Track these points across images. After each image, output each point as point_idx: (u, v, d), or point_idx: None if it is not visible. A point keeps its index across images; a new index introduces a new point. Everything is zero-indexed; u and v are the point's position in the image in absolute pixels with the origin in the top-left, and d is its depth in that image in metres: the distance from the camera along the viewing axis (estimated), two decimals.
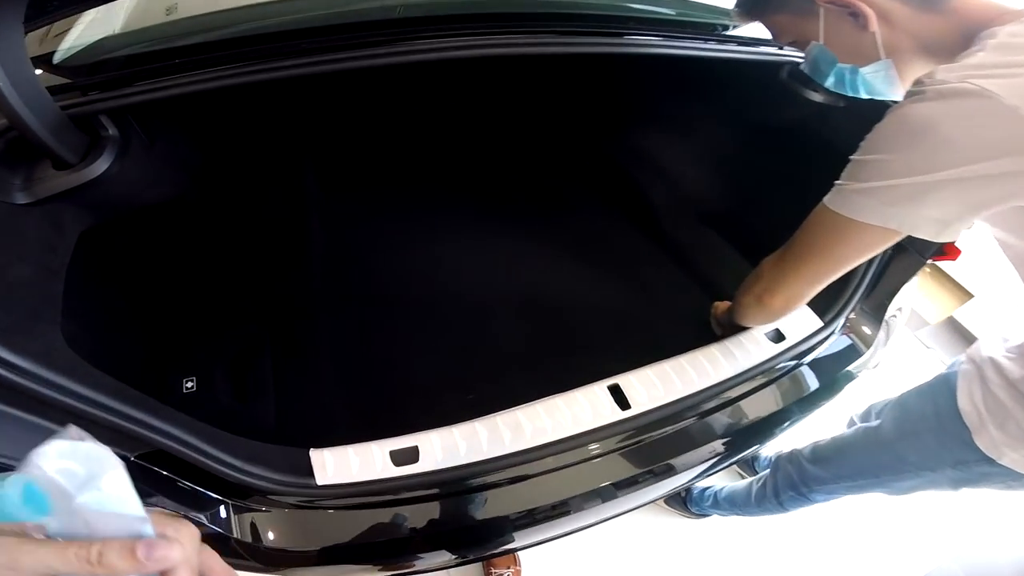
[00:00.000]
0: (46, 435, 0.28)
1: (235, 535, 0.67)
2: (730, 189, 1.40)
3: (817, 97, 1.05)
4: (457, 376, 1.06)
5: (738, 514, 1.46)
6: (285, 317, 1.12)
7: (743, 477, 1.62)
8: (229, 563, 0.69)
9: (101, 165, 0.69)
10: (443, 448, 0.71)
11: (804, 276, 0.75)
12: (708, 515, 1.56)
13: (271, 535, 0.68)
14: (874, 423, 1.07)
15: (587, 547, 1.48)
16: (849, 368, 1.05)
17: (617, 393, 0.79)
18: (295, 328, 1.11)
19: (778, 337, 0.96)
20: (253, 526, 0.67)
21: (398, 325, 1.15)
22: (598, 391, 0.78)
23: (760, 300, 0.82)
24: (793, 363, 0.99)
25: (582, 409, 0.76)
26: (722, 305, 1.07)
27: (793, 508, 1.27)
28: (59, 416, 0.54)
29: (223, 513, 0.67)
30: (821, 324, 0.99)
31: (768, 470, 1.33)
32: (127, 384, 0.83)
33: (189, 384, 0.96)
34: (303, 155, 1.41)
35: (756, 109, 1.24)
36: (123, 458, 0.59)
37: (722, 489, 1.47)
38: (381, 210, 1.45)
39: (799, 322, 0.97)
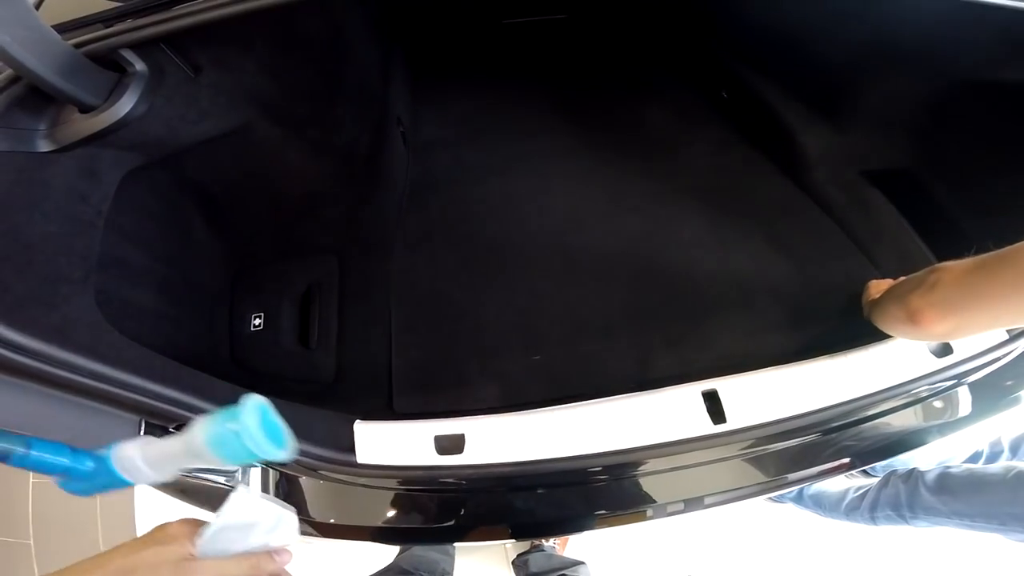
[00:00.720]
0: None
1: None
2: (916, 148, 1.05)
3: None
4: (528, 334, 0.94)
5: (819, 514, 1.35)
6: (358, 253, 1.05)
7: (849, 476, 1.45)
8: None
9: (125, 105, 0.61)
10: (492, 441, 0.61)
11: (996, 311, 0.55)
12: (783, 503, 1.44)
13: (306, 506, 0.64)
14: None
15: None
16: (1019, 393, 0.82)
17: (713, 401, 0.64)
18: (367, 266, 1.04)
19: (944, 350, 0.73)
20: (289, 494, 0.64)
21: (474, 270, 1.03)
22: (689, 396, 0.63)
23: (917, 317, 0.60)
24: (952, 382, 0.78)
25: (663, 415, 0.62)
26: (879, 285, 0.84)
27: (884, 525, 1.15)
28: (75, 394, 0.50)
29: (262, 481, 0.64)
30: (1007, 337, 0.74)
31: (874, 482, 1.17)
32: (191, 325, 0.83)
33: (257, 321, 0.93)
34: (388, 74, 1.25)
35: (978, 59, 0.88)
36: (161, 428, 0.58)
37: (810, 485, 1.33)
38: (472, 137, 1.28)
39: None
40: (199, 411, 0.56)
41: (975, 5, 0.72)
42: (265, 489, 0.66)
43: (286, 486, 0.66)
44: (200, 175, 0.88)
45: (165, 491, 0.70)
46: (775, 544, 1.50)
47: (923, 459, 1.31)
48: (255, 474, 0.65)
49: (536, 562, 1.19)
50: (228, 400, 0.59)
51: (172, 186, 0.84)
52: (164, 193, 0.83)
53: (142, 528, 1.59)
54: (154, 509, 1.58)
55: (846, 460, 0.77)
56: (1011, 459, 1.17)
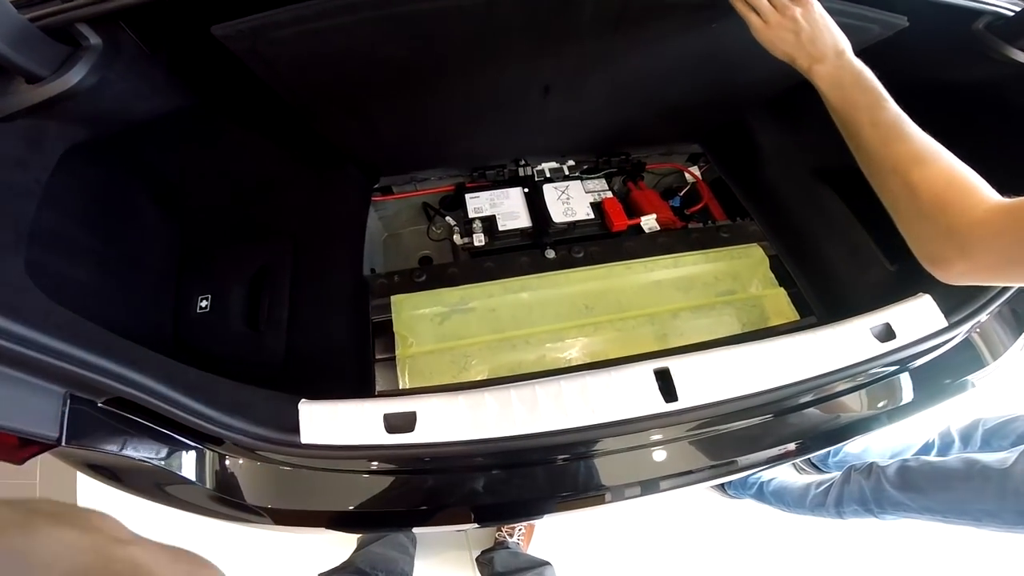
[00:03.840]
0: None
1: (208, 486, 0.61)
2: None
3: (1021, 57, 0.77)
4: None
5: (782, 509, 1.35)
6: (317, 237, 1.03)
7: (800, 471, 1.47)
8: (200, 512, 0.65)
9: (73, 77, 0.59)
10: (444, 418, 0.60)
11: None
12: (743, 499, 1.45)
13: (246, 489, 0.62)
14: (992, 458, 0.89)
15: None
16: (964, 379, 0.85)
17: (664, 379, 0.64)
18: (325, 250, 1.02)
19: (887, 334, 0.75)
20: (228, 478, 0.62)
21: None
22: (641, 374, 0.64)
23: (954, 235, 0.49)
24: (895, 367, 0.80)
25: (616, 392, 0.62)
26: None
27: (852, 519, 1.16)
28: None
29: (197, 461, 0.62)
30: (945, 324, 0.76)
31: (835, 478, 1.19)
32: (133, 305, 0.80)
33: (204, 303, 0.90)
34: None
35: (934, 63, 0.93)
36: (88, 403, 0.56)
37: (771, 481, 1.34)
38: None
39: (916, 316, 0.76)
40: (132, 384, 0.54)
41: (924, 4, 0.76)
42: (200, 472, 0.63)
43: (222, 469, 0.64)
44: (152, 154, 0.87)
45: (94, 475, 0.66)
46: (740, 541, 1.50)
47: (875, 451, 1.34)
48: (189, 456, 0.62)
49: (501, 560, 1.17)
50: (167, 375, 0.58)
51: (121, 164, 0.82)
52: (112, 171, 0.82)
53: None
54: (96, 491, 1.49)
55: (796, 444, 0.78)
56: (964, 449, 1.19)
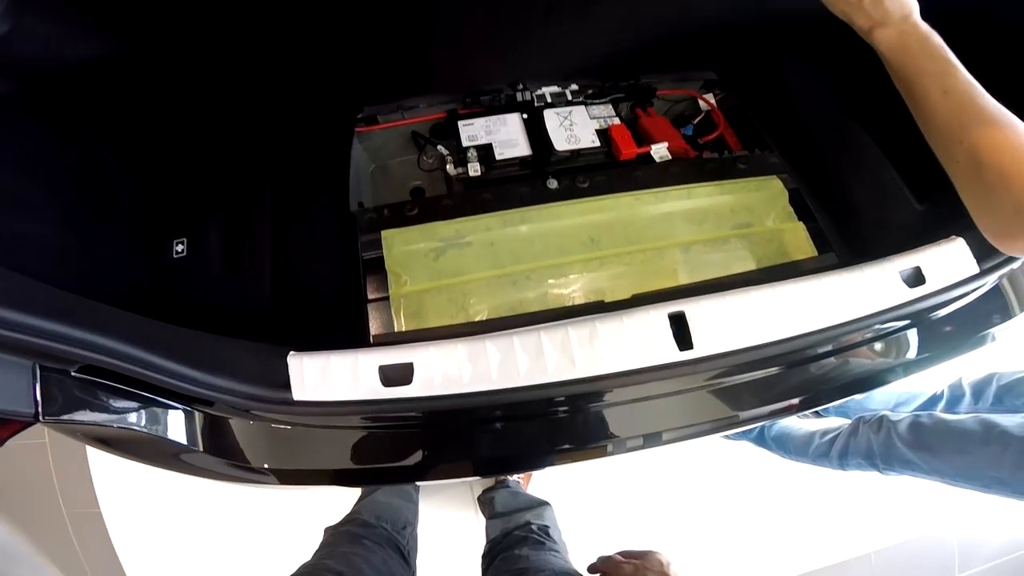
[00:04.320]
0: None
1: (196, 447, 0.57)
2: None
3: None
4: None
5: (782, 456, 1.35)
6: (287, 172, 0.95)
7: (801, 416, 1.47)
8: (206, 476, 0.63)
9: None
10: (443, 369, 0.55)
11: None
12: (740, 441, 1.46)
13: (245, 451, 0.58)
14: (1011, 422, 0.87)
15: None
16: (988, 331, 0.82)
17: (680, 324, 0.59)
18: (297, 185, 0.94)
19: (916, 279, 0.70)
20: (223, 440, 0.58)
21: None
22: (654, 319, 0.58)
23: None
24: (920, 315, 0.76)
25: (627, 340, 0.57)
26: None
27: (854, 471, 1.16)
28: None
29: (188, 425, 0.58)
30: (977, 270, 0.71)
31: (841, 427, 1.18)
32: (105, 259, 0.72)
33: (180, 247, 0.83)
34: None
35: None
36: (61, 373, 0.51)
37: (773, 426, 1.33)
38: None
39: (948, 260, 0.70)
40: (100, 349, 0.48)
41: None
42: (192, 436, 0.59)
43: (214, 431, 0.60)
44: (100, 99, 0.76)
45: (91, 444, 0.63)
46: (734, 483, 1.54)
47: (879, 398, 1.34)
48: (176, 416, 0.58)
49: (502, 500, 1.19)
50: (141, 336, 0.53)
51: (67, 112, 0.72)
52: (58, 119, 0.72)
53: (101, 490, 1.55)
54: (111, 471, 1.54)
55: (808, 396, 0.76)
56: (974, 405, 1.18)
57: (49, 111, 0.70)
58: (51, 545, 1.59)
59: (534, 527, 1.02)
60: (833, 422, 1.31)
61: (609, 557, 0.71)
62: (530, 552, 0.91)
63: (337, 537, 0.91)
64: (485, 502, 1.22)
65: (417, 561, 1.00)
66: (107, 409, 0.54)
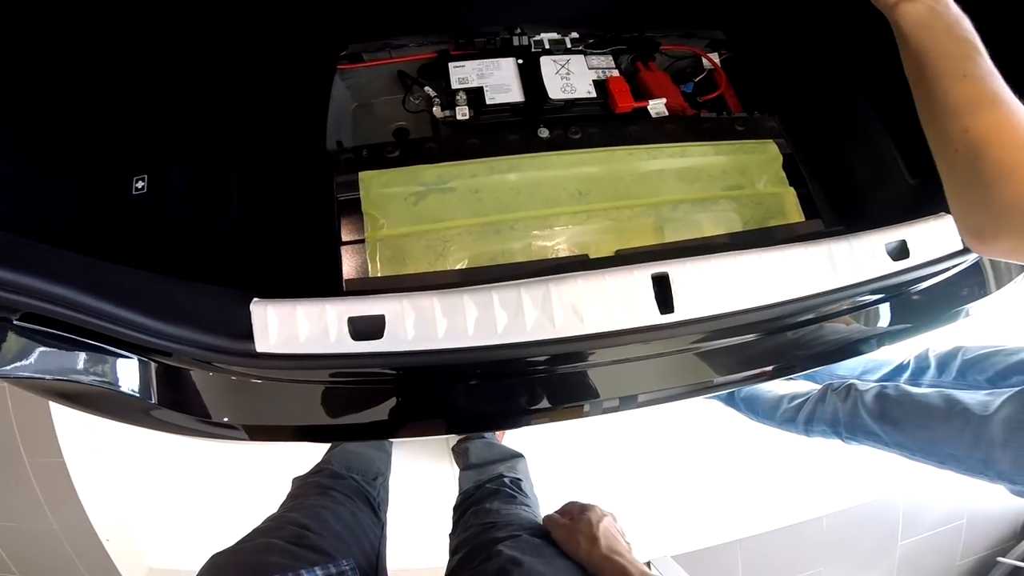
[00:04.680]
0: None
1: (154, 400, 0.55)
2: None
3: None
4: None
5: (749, 418, 1.38)
6: (259, 107, 0.89)
7: None
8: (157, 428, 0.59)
9: None
10: (417, 323, 0.53)
11: None
12: (711, 400, 1.49)
13: (207, 405, 0.56)
14: (973, 399, 0.87)
15: None
16: (964, 307, 0.82)
17: (662, 286, 0.58)
18: (270, 120, 0.88)
19: (900, 252, 0.69)
20: (183, 393, 0.55)
21: None
22: (638, 279, 0.57)
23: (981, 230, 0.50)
24: (900, 286, 0.76)
25: (608, 300, 0.55)
26: None
27: (817, 438, 1.18)
28: None
29: (143, 377, 0.55)
30: (961, 247, 0.71)
31: (809, 393, 1.19)
32: (63, 196, 0.67)
33: (140, 184, 0.77)
34: None
35: None
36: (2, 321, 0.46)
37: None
38: None
39: (934, 236, 0.69)
40: (39, 294, 0.44)
41: None
42: (148, 388, 0.57)
43: (173, 383, 0.57)
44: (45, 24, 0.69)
45: (44, 396, 0.60)
46: (700, 441, 1.58)
47: (847, 365, 1.36)
48: (126, 364, 0.55)
49: (476, 451, 1.19)
50: (83, 280, 0.49)
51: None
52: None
53: (64, 439, 1.52)
54: (73, 420, 1.50)
55: (782, 363, 0.76)
56: (938, 377, 1.19)
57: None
58: (14, 497, 1.56)
59: (506, 480, 1.03)
60: (802, 386, 1.33)
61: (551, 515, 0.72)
62: (500, 506, 0.92)
63: (305, 488, 0.91)
64: (460, 452, 1.23)
65: (388, 513, 1.00)
66: (54, 362, 0.51)
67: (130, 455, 1.53)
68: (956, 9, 0.52)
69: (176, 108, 0.84)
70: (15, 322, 0.48)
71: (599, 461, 1.55)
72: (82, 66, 0.78)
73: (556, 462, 1.47)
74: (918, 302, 0.81)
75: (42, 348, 0.52)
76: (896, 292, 0.78)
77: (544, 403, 0.64)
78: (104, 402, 0.59)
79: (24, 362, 0.51)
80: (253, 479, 1.48)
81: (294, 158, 0.86)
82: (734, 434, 1.58)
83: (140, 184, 0.76)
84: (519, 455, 1.17)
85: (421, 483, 1.43)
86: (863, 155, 0.96)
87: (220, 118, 0.86)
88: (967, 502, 1.83)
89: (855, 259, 0.66)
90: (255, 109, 0.88)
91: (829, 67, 1.02)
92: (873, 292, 0.74)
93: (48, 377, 0.53)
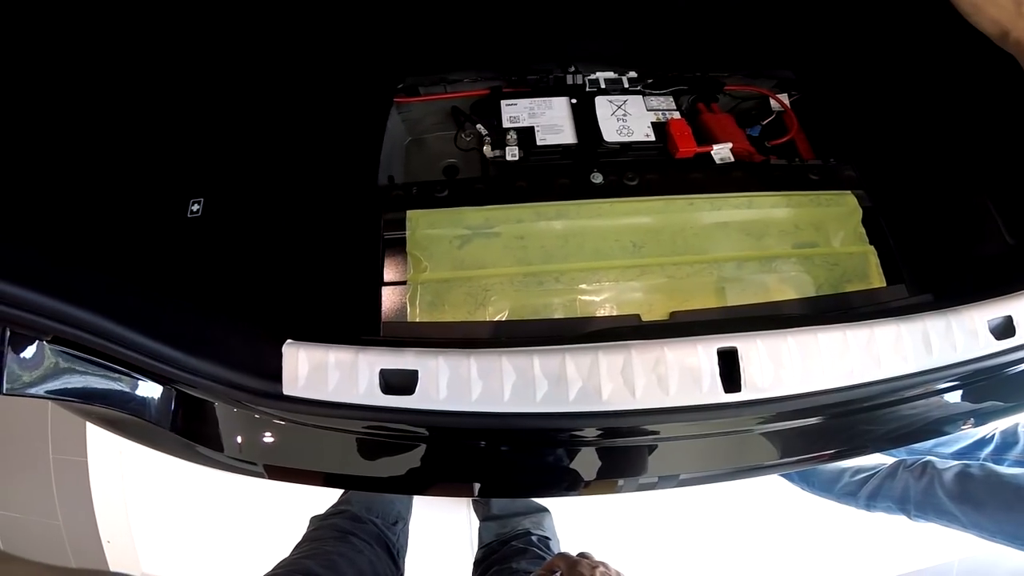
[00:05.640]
0: None
1: (175, 430, 0.54)
2: None
3: None
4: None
5: (804, 489, 1.28)
6: (316, 139, 0.89)
7: None
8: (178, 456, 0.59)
9: None
10: (450, 382, 0.49)
11: None
12: None
13: (225, 439, 0.54)
14: None
15: None
16: None
17: (729, 362, 0.51)
18: (326, 152, 0.88)
19: (1006, 330, 0.60)
20: (202, 424, 0.54)
21: None
22: (701, 353, 0.50)
23: None
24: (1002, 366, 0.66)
25: (666, 374, 0.49)
26: None
27: (880, 513, 1.09)
28: None
29: (167, 406, 0.54)
30: None
31: (877, 468, 1.09)
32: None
33: (195, 207, 0.78)
34: None
35: None
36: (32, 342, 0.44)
37: None
38: None
39: None
40: (70, 321, 0.43)
41: None
42: (172, 418, 0.55)
43: (195, 414, 0.55)
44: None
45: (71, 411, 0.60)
46: (747, 510, 1.46)
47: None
48: (157, 396, 0.54)
49: (498, 502, 1.13)
50: (116, 308, 0.48)
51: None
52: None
53: (92, 441, 1.56)
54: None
55: (855, 446, 0.68)
56: None
57: None
58: (27, 489, 1.61)
59: (534, 538, 0.96)
60: (866, 460, 1.23)
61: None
62: (529, 566, 0.86)
63: (323, 531, 0.87)
64: (480, 502, 1.17)
65: (406, 560, 0.95)
66: (81, 385, 0.49)
67: (151, 463, 1.55)
68: None
69: (237, 133, 0.86)
70: (46, 344, 0.47)
71: (628, 521, 1.45)
72: (149, 90, 0.81)
73: (582, 516, 1.39)
74: (1017, 378, 0.71)
75: (68, 372, 0.51)
76: (996, 372, 0.69)
77: (577, 477, 0.58)
78: (126, 426, 0.59)
79: (49, 385, 0.50)
80: (267, 506, 1.47)
81: (346, 190, 0.85)
82: (775, 499, 1.45)
83: (196, 207, 0.77)
84: (544, 509, 1.10)
85: (437, 530, 1.38)
86: (954, 210, 0.87)
87: (278, 145, 0.87)
88: None
89: (954, 338, 0.58)
90: (313, 139, 0.89)
91: (913, 109, 0.94)
92: (970, 373, 0.65)
93: (72, 400, 0.52)
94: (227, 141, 0.85)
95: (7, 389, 0.44)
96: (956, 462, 1.04)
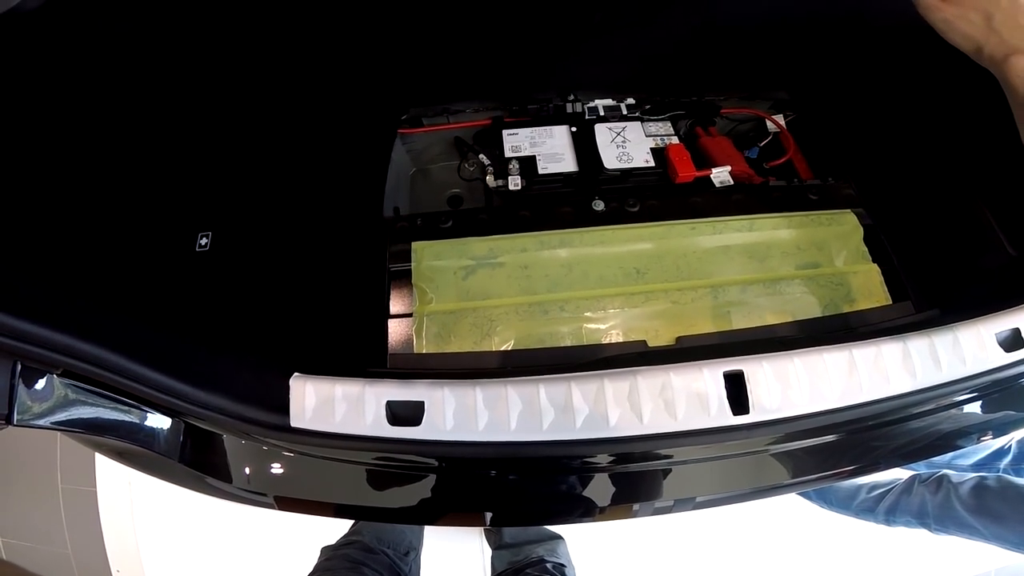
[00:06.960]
0: None
1: (185, 461, 0.54)
2: None
3: None
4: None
5: (821, 506, 1.26)
6: (322, 172, 0.91)
7: None
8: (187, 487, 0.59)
9: None
10: (456, 412, 0.49)
11: None
12: None
13: (233, 470, 0.54)
14: None
15: None
16: None
17: (736, 385, 0.51)
18: (332, 185, 0.90)
19: (1014, 342, 0.60)
20: (209, 456, 0.54)
21: None
22: (708, 377, 0.51)
23: None
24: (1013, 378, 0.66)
25: (673, 399, 0.49)
26: None
27: (900, 527, 1.07)
28: None
29: (176, 438, 0.54)
30: None
31: (893, 483, 1.08)
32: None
33: (203, 241, 0.79)
34: None
35: None
36: (42, 375, 0.45)
37: None
38: None
39: None
40: (81, 356, 0.44)
41: None
42: (181, 450, 0.55)
43: (203, 445, 0.56)
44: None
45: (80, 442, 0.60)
46: (763, 529, 1.43)
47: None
48: (165, 428, 0.54)
49: (510, 530, 1.12)
50: (126, 343, 0.49)
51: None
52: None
53: (101, 471, 1.56)
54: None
55: (867, 463, 0.67)
56: None
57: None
58: (37, 519, 1.60)
59: (549, 566, 0.95)
60: (882, 475, 1.21)
61: None
62: None
63: (335, 560, 0.86)
64: (492, 530, 1.16)
65: None
66: (90, 417, 0.50)
67: (161, 494, 1.55)
68: None
69: (244, 167, 0.88)
70: (56, 377, 0.48)
71: (644, 547, 1.42)
72: (158, 121, 0.83)
73: (598, 542, 1.36)
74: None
75: (78, 404, 0.52)
76: (1008, 383, 0.68)
77: (590, 503, 0.58)
78: (135, 457, 0.59)
79: (58, 416, 0.50)
80: (277, 536, 1.45)
81: (352, 223, 0.87)
82: (794, 518, 1.42)
83: (204, 241, 0.79)
84: (559, 537, 1.08)
85: (450, 560, 1.35)
86: (955, 224, 0.87)
87: (285, 178, 0.89)
88: None
89: (963, 352, 0.58)
90: (319, 171, 0.91)
91: (908, 124, 0.95)
92: (982, 386, 0.65)
93: (82, 431, 0.53)
94: (234, 175, 0.87)
95: (18, 420, 0.44)
96: (974, 474, 1.03)
